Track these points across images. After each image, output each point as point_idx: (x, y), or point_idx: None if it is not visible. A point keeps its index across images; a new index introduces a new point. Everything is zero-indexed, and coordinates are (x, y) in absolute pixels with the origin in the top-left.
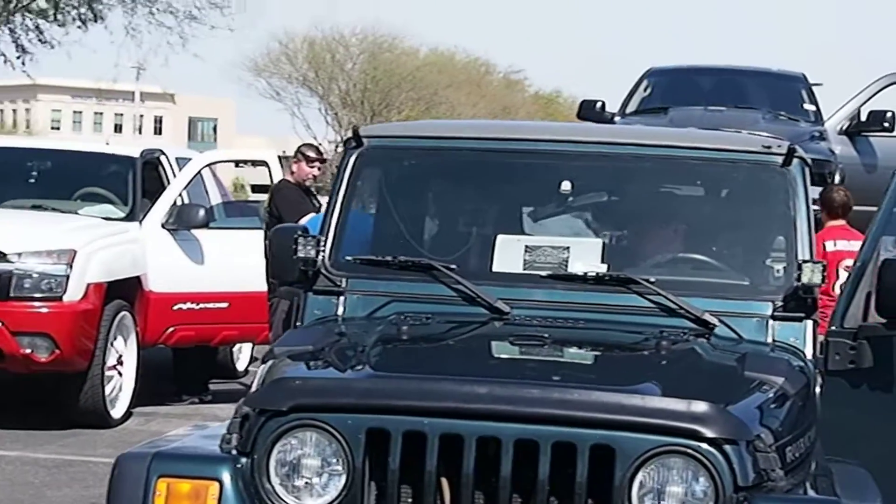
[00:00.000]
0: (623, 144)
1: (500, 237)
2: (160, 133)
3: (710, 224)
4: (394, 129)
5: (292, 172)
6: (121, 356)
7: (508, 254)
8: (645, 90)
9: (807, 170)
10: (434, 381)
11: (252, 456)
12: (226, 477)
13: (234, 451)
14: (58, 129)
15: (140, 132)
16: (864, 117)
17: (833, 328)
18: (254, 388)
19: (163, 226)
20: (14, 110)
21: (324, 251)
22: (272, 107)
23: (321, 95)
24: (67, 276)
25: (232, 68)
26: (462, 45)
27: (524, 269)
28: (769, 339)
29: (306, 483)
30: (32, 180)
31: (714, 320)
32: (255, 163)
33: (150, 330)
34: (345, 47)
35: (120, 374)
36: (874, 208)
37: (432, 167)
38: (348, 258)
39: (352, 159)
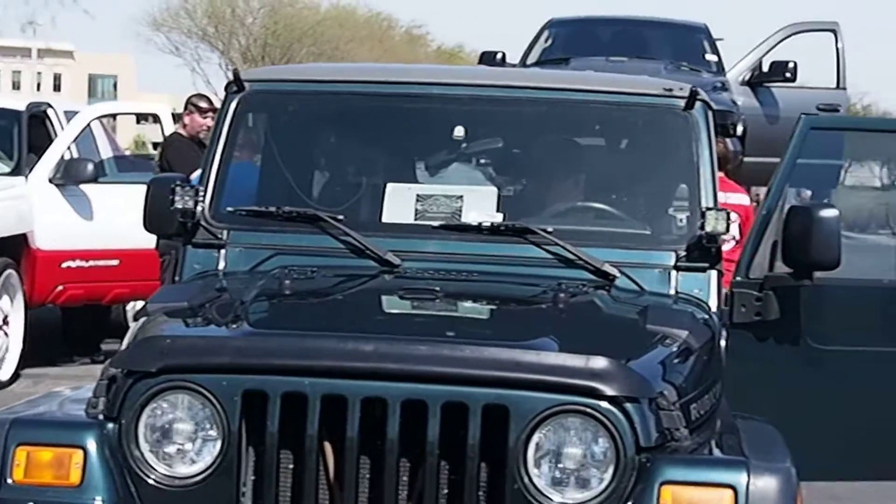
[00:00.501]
0: (518, 88)
1: (390, 186)
2: (59, 90)
3: (610, 171)
4: (277, 72)
5: (185, 125)
6: (6, 316)
7: (399, 203)
8: (546, 41)
9: (710, 114)
10: (315, 339)
11: (119, 421)
12: (91, 444)
13: (100, 417)
14: None
15: (39, 89)
16: (766, 68)
17: (738, 279)
18: (122, 348)
19: (50, 181)
20: None
21: (203, 202)
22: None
23: (221, 51)
24: None
25: (131, 23)
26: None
27: (416, 220)
28: (672, 291)
29: (178, 449)
30: None
31: (614, 271)
32: (144, 116)
33: (37, 289)
34: (245, 1)
35: (6, 334)
36: (777, 160)
37: (319, 113)
38: (229, 209)
39: (232, 105)
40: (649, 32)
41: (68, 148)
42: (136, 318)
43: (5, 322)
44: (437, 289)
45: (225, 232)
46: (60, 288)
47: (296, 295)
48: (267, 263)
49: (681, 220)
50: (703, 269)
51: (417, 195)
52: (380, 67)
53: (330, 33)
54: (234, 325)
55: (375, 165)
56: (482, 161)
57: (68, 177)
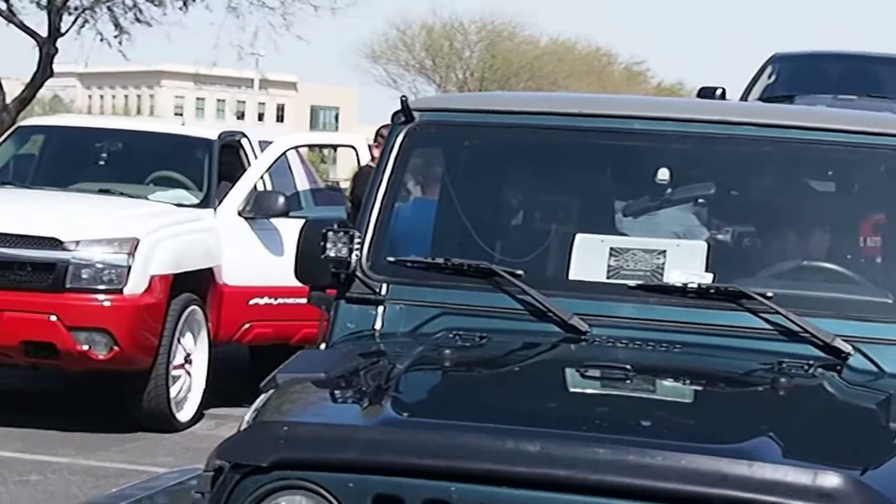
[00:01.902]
0: (734, 124)
1: (579, 237)
2: (282, 121)
3: (844, 225)
4: (452, 100)
5: (373, 158)
6: (189, 354)
7: (589, 257)
8: (769, 77)
9: None
10: (468, 433)
11: None
12: None
13: None
14: (180, 114)
15: (262, 119)
16: None
17: None
18: (234, 433)
19: (239, 213)
20: (139, 96)
21: (360, 250)
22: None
23: (438, 84)
24: (129, 267)
25: (349, 55)
26: (584, 35)
27: (608, 278)
28: None
29: None
30: (102, 163)
31: (848, 348)
32: (341, 147)
33: (223, 326)
34: (463, 35)
35: (189, 373)
36: None
37: (499, 148)
38: (390, 259)
39: (399, 137)
40: (881, 69)
41: (262, 179)
42: (262, 390)
43: (188, 361)
44: (629, 366)
45: (384, 286)
46: (247, 326)
47: (455, 368)
48: (431, 324)
49: None
50: None
51: (611, 249)
52: (572, 97)
53: (548, 68)
54: (373, 410)
55: (564, 212)
56: (688, 210)
57: (259, 210)
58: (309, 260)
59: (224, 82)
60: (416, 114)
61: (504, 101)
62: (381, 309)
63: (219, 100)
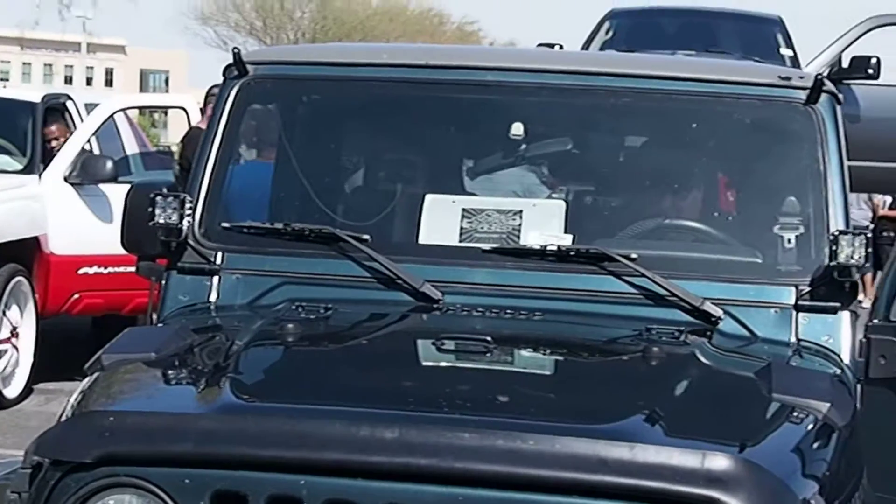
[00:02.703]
0: (594, 74)
1: (429, 197)
2: (111, 85)
3: (710, 181)
4: (289, 52)
5: (203, 119)
6: (15, 327)
7: (440, 219)
8: (607, 33)
9: (839, 109)
10: (317, 419)
11: None
12: None
13: None
14: (6, 80)
15: (90, 84)
16: (845, 63)
17: (875, 321)
18: (53, 425)
19: (65, 179)
20: None
21: (192, 215)
22: (223, 58)
23: (269, 45)
24: None
25: (179, 17)
26: None
27: (461, 241)
28: (792, 338)
29: None
30: None
31: (717, 311)
32: (170, 109)
33: (51, 297)
34: None
35: (15, 347)
36: (858, 163)
37: (341, 104)
38: (225, 225)
39: (232, 93)
40: (719, 24)
41: (88, 143)
42: (86, 372)
43: (14, 334)
44: (488, 336)
45: (219, 254)
46: (76, 296)
47: (300, 345)
48: (271, 295)
49: (802, 245)
50: (834, 311)
51: (464, 210)
52: (418, 48)
53: (380, 28)
54: (209, 394)
55: (411, 171)
56: (545, 167)
57: (85, 175)
58: (136, 227)
59: (51, 46)
60: (249, 67)
61: (345, 52)
62: (216, 279)
63: (46, 64)
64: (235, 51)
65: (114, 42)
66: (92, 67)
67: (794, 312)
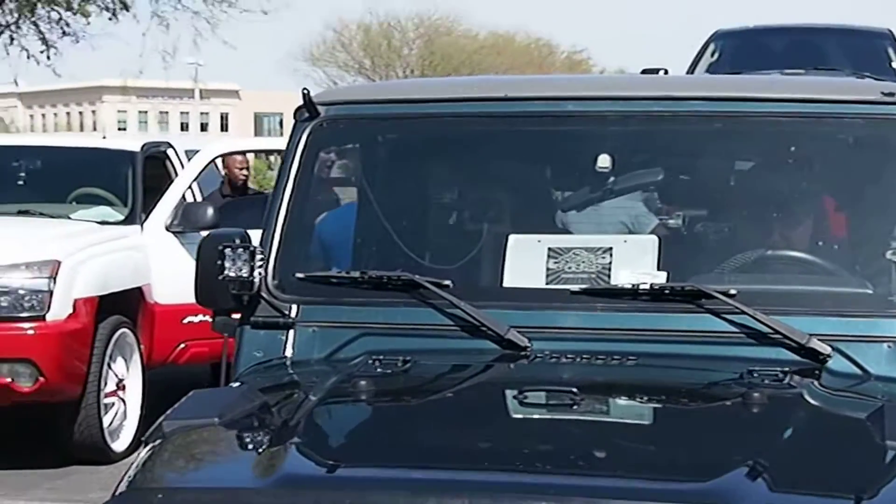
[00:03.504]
0: (681, 100)
1: (512, 237)
2: (226, 129)
3: (814, 207)
4: (361, 91)
5: None
6: (121, 380)
7: (526, 261)
8: (712, 55)
9: None
10: (380, 489)
11: None
12: None
13: None
14: (124, 129)
15: (205, 129)
16: None
17: None
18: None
19: (167, 228)
20: (80, 112)
21: (264, 267)
22: None
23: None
24: (51, 292)
25: (289, 60)
26: (522, 26)
27: (548, 283)
28: None
29: None
30: (21, 182)
31: (826, 349)
32: (272, 153)
33: (157, 348)
34: (401, 32)
35: (122, 400)
36: None
37: (416, 142)
38: (299, 276)
39: (303, 136)
40: (826, 40)
41: (190, 191)
42: (147, 441)
43: (121, 387)
44: (576, 387)
45: (293, 307)
46: (182, 346)
47: (371, 404)
48: (349, 348)
49: None
50: None
51: (550, 249)
52: (496, 80)
53: (488, 62)
54: (268, 466)
55: (495, 210)
56: (638, 198)
57: (187, 223)
58: (209, 280)
59: (166, 94)
60: (321, 108)
61: (420, 88)
62: (291, 333)
63: (161, 112)
64: (305, 91)
65: (228, 87)
66: (207, 113)
67: None
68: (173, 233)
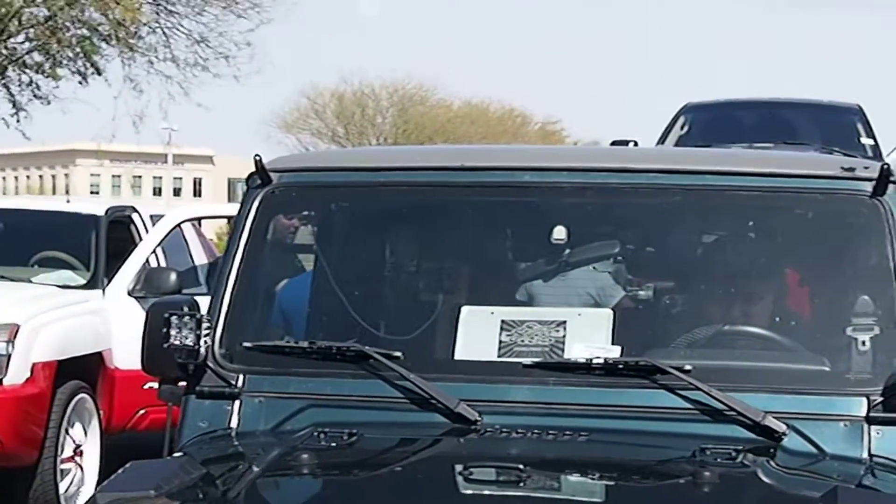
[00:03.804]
0: (638, 171)
1: (465, 309)
2: (199, 195)
3: (770, 282)
4: (315, 158)
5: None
6: (79, 446)
7: (478, 332)
8: (682, 128)
9: None
10: None
11: None
12: None
13: None
14: (97, 193)
15: (178, 195)
16: None
17: None
18: None
19: (129, 293)
20: (53, 175)
21: (210, 335)
22: None
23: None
24: (8, 356)
25: (262, 126)
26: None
27: (500, 356)
28: (864, 454)
29: None
30: None
31: (781, 426)
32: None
33: (116, 413)
34: (375, 101)
35: (80, 466)
36: None
37: (370, 211)
38: (246, 345)
39: (255, 203)
40: (796, 115)
41: (155, 256)
42: None
43: (78, 452)
44: (522, 466)
45: (240, 377)
46: (142, 412)
47: (312, 478)
48: (295, 420)
49: (870, 350)
50: None
51: (503, 322)
52: (451, 149)
53: (461, 131)
54: None
55: (448, 280)
56: (604, 270)
57: (149, 288)
58: (154, 348)
59: (139, 158)
60: (273, 175)
61: (374, 156)
62: (237, 404)
63: (135, 176)
64: (257, 157)
65: (202, 152)
66: (180, 178)
67: (865, 425)
68: (136, 298)
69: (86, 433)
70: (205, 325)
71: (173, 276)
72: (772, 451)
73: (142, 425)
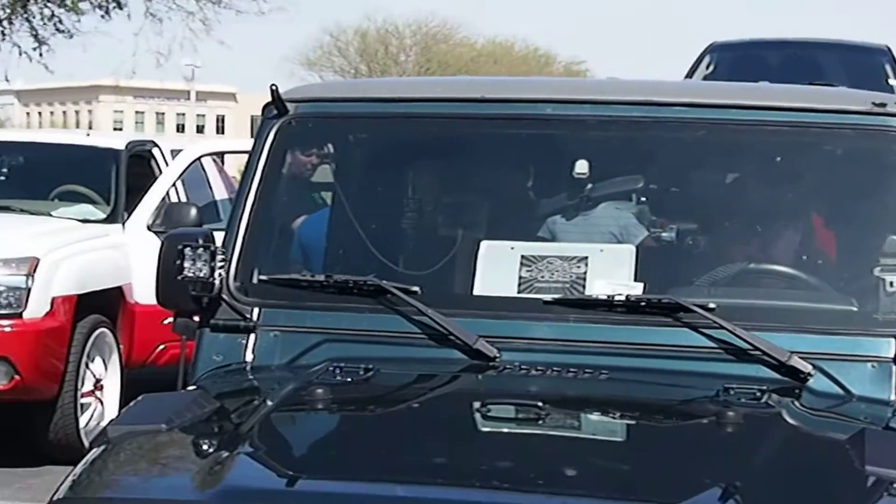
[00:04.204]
0: (665, 105)
1: (484, 244)
2: (223, 132)
3: (798, 220)
4: (334, 88)
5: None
6: (99, 380)
7: (497, 268)
8: (707, 67)
9: None
10: None
11: None
12: None
13: None
14: (120, 129)
15: (201, 132)
16: None
17: None
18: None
19: (149, 228)
20: (77, 112)
21: (225, 268)
22: None
23: None
24: (28, 289)
25: (286, 63)
26: (521, 36)
27: (520, 292)
28: (892, 396)
29: None
30: (2, 178)
31: (807, 367)
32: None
33: (136, 348)
34: (398, 39)
35: (100, 400)
36: None
37: (390, 143)
38: (262, 278)
39: (270, 134)
40: (823, 55)
41: (175, 191)
42: (91, 446)
43: (98, 387)
44: (541, 403)
45: (255, 310)
46: (162, 347)
47: (326, 414)
48: (311, 354)
49: None
50: None
51: (523, 257)
52: (474, 81)
53: (485, 70)
54: (210, 477)
55: (468, 215)
56: (620, 207)
57: (169, 223)
58: (168, 281)
59: (162, 95)
60: (290, 105)
61: (393, 86)
62: (252, 337)
63: (158, 113)
64: (273, 87)
65: (225, 90)
66: (203, 115)
67: (893, 367)
68: (155, 232)
69: (106, 367)
70: (219, 257)
71: (193, 211)
72: (797, 391)
73: (161, 360)
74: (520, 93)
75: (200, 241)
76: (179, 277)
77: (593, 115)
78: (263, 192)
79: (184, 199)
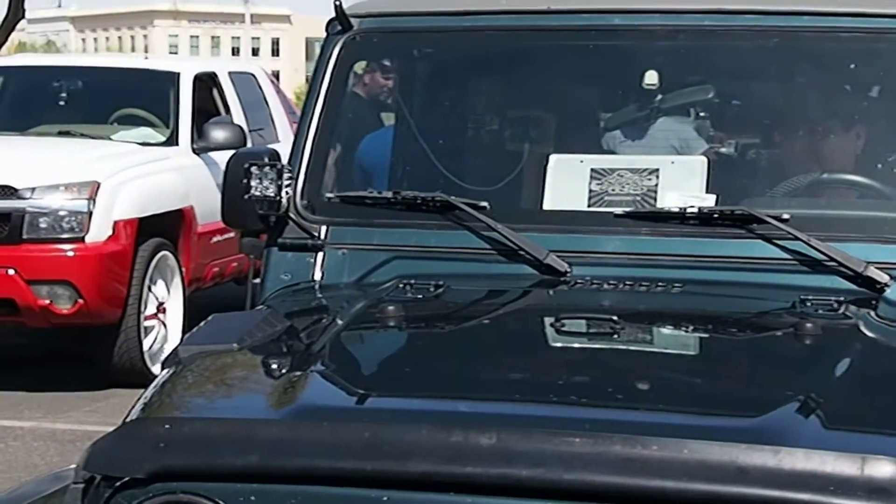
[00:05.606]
0: (736, 13)
1: (553, 157)
2: (277, 55)
3: (872, 128)
4: (397, 3)
5: (364, 84)
6: (162, 303)
7: (567, 182)
8: None
9: None
10: (401, 423)
11: None
12: None
13: None
14: (175, 53)
15: (256, 55)
16: None
17: None
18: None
19: (194, 150)
20: (132, 37)
21: (292, 186)
22: None
23: None
24: (90, 213)
25: None
26: None
27: (590, 206)
28: None
29: None
30: (63, 103)
31: (884, 277)
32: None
33: (195, 271)
34: None
35: (163, 323)
36: None
37: (455, 57)
38: (329, 196)
39: (335, 50)
40: None
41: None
42: (162, 366)
43: (161, 310)
44: (615, 317)
45: (323, 228)
46: (216, 269)
47: (398, 331)
48: (380, 272)
49: None
50: None
51: (593, 170)
52: None
53: None
54: (285, 396)
55: (537, 130)
56: (687, 120)
57: (215, 144)
58: (234, 200)
59: (217, 19)
60: (353, 21)
61: (460, 0)
62: (320, 256)
63: (213, 37)
64: (337, 3)
65: (279, 12)
66: (258, 38)
67: None
68: (197, 153)
69: (168, 290)
70: (286, 175)
71: (238, 131)
72: (874, 302)
73: (208, 279)
74: (587, 3)
75: (266, 160)
76: (246, 196)
77: (662, 25)
78: (328, 109)
79: (243, 121)
